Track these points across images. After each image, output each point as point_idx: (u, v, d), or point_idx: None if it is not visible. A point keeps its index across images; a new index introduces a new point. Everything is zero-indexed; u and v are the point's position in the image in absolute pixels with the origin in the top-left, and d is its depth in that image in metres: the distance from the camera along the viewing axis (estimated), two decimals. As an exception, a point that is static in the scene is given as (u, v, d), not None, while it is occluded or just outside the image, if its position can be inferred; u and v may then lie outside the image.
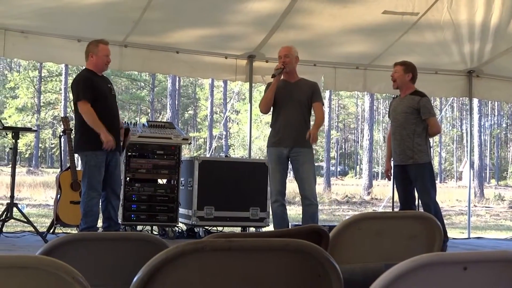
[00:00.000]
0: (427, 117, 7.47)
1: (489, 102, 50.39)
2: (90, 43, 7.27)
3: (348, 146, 73.79)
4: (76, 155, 8.14)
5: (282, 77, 7.17)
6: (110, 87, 7.26)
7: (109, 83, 7.34)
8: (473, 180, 32.76)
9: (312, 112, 7.30)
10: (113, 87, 7.37)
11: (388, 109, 8.04)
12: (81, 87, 7.03)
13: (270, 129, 7.46)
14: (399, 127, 7.53)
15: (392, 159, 7.72)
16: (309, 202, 7.02)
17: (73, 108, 7.30)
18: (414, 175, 7.44)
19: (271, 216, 7.43)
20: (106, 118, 7.04)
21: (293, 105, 7.13)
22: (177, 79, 40.94)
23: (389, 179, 7.98)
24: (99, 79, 7.16)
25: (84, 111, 6.92)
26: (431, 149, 7.74)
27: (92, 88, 6.99)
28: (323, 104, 7.41)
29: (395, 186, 7.87)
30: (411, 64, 7.65)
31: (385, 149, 7.95)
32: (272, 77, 7.12)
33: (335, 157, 63.74)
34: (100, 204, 7.11)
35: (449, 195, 30.62)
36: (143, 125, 9.01)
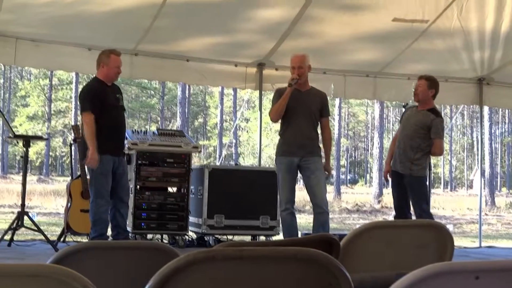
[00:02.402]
0: (435, 137, 7.51)
1: (500, 110, 50.27)
2: (102, 52, 7.29)
3: (358, 154, 73.72)
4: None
5: None
6: (118, 97, 7.29)
7: (118, 92, 7.37)
8: (484, 188, 32.62)
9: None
10: (121, 97, 7.40)
11: (400, 116, 8.04)
12: (87, 97, 7.10)
13: (279, 137, 7.46)
14: (406, 137, 7.58)
15: (391, 163, 7.80)
16: (320, 210, 7.03)
17: (80, 120, 7.36)
18: (409, 185, 7.52)
19: (281, 225, 7.43)
20: (111, 129, 7.10)
21: (304, 114, 7.12)
22: (187, 87, 41.05)
23: (387, 181, 8.09)
24: (108, 89, 7.19)
25: (85, 122, 6.99)
26: (429, 166, 7.81)
27: (99, 100, 7.03)
28: (329, 115, 7.51)
29: (392, 189, 7.97)
30: (435, 80, 7.67)
31: (388, 151, 8.04)
32: (288, 86, 7.06)
33: (345, 165, 63.67)
34: (109, 212, 7.13)
35: (460, 204, 30.51)
36: (153, 133, 9.02)
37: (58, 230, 10.22)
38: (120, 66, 7.23)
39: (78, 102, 7.38)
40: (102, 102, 7.04)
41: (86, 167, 7.50)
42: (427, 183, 7.76)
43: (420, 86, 7.57)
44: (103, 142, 6.99)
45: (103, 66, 7.16)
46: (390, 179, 7.92)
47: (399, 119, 8.11)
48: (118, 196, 7.14)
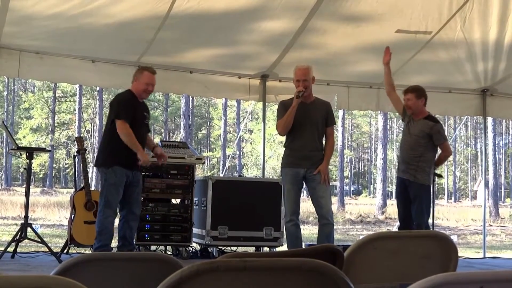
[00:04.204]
0: (441, 142, 7.63)
1: (504, 120, 50.24)
2: (139, 67, 7.36)
3: (361, 166, 73.66)
4: (91, 173, 8.20)
5: None
6: (145, 115, 7.33)
7: (146, 110, 7.41)
8: (488, 199, 32.57)
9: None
10: (149, 115, 7.45)
11: (406, 117, 7.87)
12: (122, 106, 7.14)
13: (283, 149, 7.45)
14: (408, 147, 7.63)
15: (397, 171, 7.91)
16: (325, 221, 7.00)
17: (104, 127, 7.37)
18: (413, 194, 7.52)
19: (285, 236, 7.41)
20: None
21: (310, 126, 7.12)
22: (191, 99, 41.07)
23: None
24: (138, 104, 7.23)
25: (123, 131, 6.99)
26: (433, 177, 7.81)
27: (132, 111, 7.07)
28: (335, 124, 7.47)
29: (396, 203, 7.98)
30: (421, 88, 7.73)
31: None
32: (296, 98, 7.02)
33: (349, 176, 63.61)
34: (118, 222, 7.14)
35: (464, 215, 30.47)
36: (157, 145, 9.02)
37: (62, 241, 10.22)
38: (151, 84, 7.20)
39: (110, 110, 7.36)
40: (133, 115, 7.09)
41: (100, 176, 7.50)
42: (431, 193, 7.77)
43: (409, 100, 7.61)
44: (118, 153, 7.06)
45: (135, 80, 7.22)
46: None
47: (403, 118, 8.01)
48: (129, 208, 7.16)
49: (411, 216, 7.60)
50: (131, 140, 6.99)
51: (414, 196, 7.50)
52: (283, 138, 7.47)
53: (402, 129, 7.98)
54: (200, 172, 38.84)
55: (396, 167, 8.02)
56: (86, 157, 8.35)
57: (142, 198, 8.48)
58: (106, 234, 7.00)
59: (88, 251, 8.47)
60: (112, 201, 7.01)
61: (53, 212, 23.10)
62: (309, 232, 17.54)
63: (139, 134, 7.13)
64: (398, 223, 8.01)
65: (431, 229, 7.50)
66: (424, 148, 7.50)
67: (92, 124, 50.00)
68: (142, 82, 7.16)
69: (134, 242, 8.24)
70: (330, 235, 7.04)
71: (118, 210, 7.14)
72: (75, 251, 8.72)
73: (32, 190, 13.30)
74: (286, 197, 7.18)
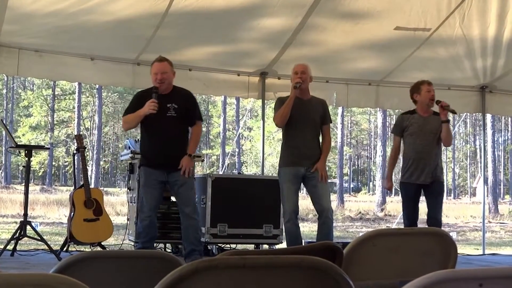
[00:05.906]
0: None
1: (503, 117, 50.26)
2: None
3: (361, 163, 73.70)
4: (90, 171, 8.20)
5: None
6: (170, 107, 6.96)
7: (172, 102, 7.00)
8: (487, 196, 32.56)
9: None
10: (175, 106, 7.01)
11: (397, 126, 7.71)
12: (129, 103, 7.27)
13: (283, 148, 7.35)
14: (429, 146, 7.39)
15: (409, 178, 7.46)
16: (325, 219, 6.97)
17: None
18: (437, 191, 7.41)
19: (284, 233, 7.37)
20: (148, 140, 7.04)
21: (307, 124, 7.09)
22: (190, 96, 40.95)
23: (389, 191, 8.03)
24: (156, 98, 6.91)
25: (122, 125, 7.21)
26: None
27: (136, 105, 6.98)
28: (331, 122, 7.46)
29: (406, 203, 7.59)
30: None
31: (389, 165, 7.75)
32: (294, 88, 6.99)
33: (348, 173, 63.65)
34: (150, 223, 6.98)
35: (463, 211, 30.46)
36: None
37: (61, 239, 10.21)
38: (158, 72, 6.98)
39: None
40: (140, 108, 6.92)
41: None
42: None
43: (434, 91, 7.53)
44: (143, 154, 7.19)
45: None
46: (404, 191, 7.65)
47: (394, 128, 7.74)
48: (180, 209, 7.13)
49: (418, 216, 7.54)
50: (131, 118, 6.95)
51: (438, 193, 7.41)
52: (282, 137, 7.40)
53: (408, 132, 7.50)
54: (199, 170, 38.83)
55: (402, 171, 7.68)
56: (85, 154, 8.33)
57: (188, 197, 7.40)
58: (144, 237, 6.95)
59: (87, 249, 8.47)
60: (143, 203, 7.02)
61: (53, 210, 23.10)
62: (309, 229, 17.52)
63: (157, 127, 6.90)
64: (397, 220, 7.98)
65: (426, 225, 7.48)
66: (438, 145, 7.44)
67: (91, 122, 50.03)
68: (152, 73, 7.04)
69: (133, 240, 8.22)
70: (330, 233, 7.02)
71: (149, 209, 6.96)
72: (75, 249, 8.71)
73: (31, 188, 13.29)
74: (286, 196, 7.10)
